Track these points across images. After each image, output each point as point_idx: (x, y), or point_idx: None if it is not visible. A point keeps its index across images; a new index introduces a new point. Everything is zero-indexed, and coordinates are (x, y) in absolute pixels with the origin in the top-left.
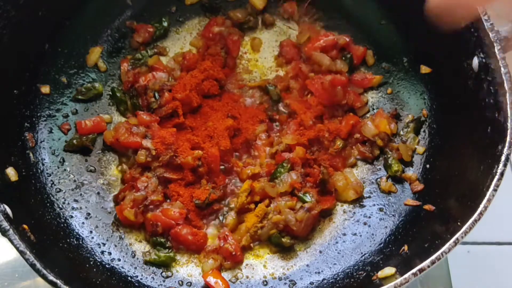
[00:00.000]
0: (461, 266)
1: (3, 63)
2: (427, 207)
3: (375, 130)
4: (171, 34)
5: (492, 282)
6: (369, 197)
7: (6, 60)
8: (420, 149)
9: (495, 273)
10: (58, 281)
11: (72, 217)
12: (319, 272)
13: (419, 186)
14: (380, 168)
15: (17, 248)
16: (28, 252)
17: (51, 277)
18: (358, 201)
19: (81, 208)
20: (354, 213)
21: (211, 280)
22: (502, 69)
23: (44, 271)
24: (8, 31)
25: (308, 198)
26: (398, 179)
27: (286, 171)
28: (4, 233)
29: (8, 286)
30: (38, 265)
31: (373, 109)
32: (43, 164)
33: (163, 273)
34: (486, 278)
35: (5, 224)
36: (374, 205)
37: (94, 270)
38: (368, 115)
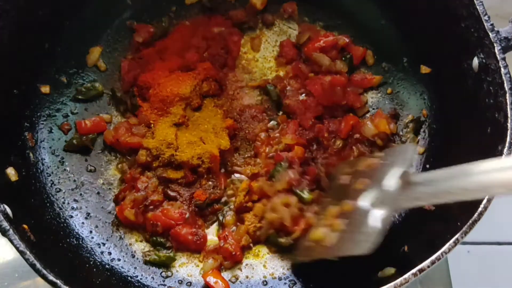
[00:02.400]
0: (461, 266)
1: (3, 63)
2: (427, 206)
3: (375, 130)
4: None
5: (492, 282)
6: None
7: (6, 60)
8: (420, 149)
9: (495, 273)
10: (58, 281)
11: (72, 217)
12: (319, 272)
13: None
14: None
15: (17, 248)
16: (28, 252)
17: (51, 277)
18: None
19: (81, 208)
20: None
21: (211, 280)
22: (502, 69)
23: (44, 271)
24: (8, 31)
25: (305, 194)
26: None
27: (284, 170)
28: (4, 233)
29: (8, 286)
30: (38, 265)
31: (373, 109)
32: (43, 164)
33: (163, 273)
34: (486, 278)
35: (5, 224)
36: None
37: (94, 270)
38: (367, 115)
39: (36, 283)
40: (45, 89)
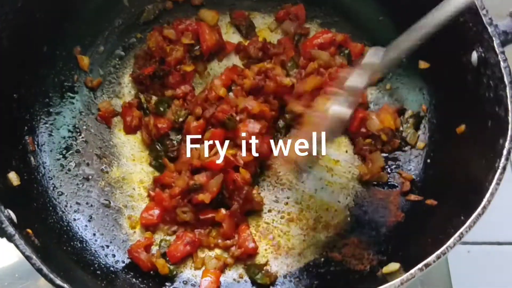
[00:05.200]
0: (461, 266)
1: (2, 66)
2: (429, 201)
3: (380, 125)
4: None
5: (492, 282)
6: None
7: (5, 63)
8: (421, 144)
9: (495, 273)
10: (65, 285)
11: (75, 220)
12: (322, 269)
13: (407, 187)
14: None
15: (23, 253)
16: (34, 257)
17: (58, 281)
18: None
19: (83, 210)
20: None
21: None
22: (502, 63)
23: (51, 276)
24: (6, 34)
25: None
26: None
27: None
28: (10, 238)
29: (8, 286)
30: (45, 269)
31: (374, 105)
32: (44, 168)
33: (168, 274)
34: (486, 278)
35: (11, 230)
36: None
37: (98, 272)
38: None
39: (37, 284)
40: (45, 92)
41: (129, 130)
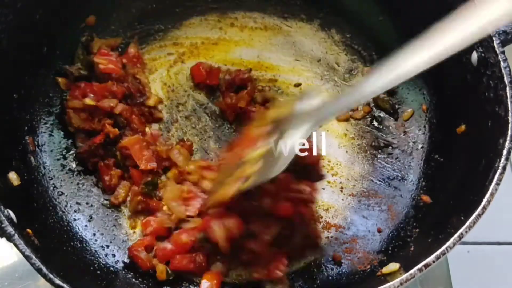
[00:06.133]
0: (461, 266)
1: (2, 67)
2: (425, 198)
3: None
4: None
5: (492, 282)
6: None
7: (5, 64)
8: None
9: (495, 273)
10: (65, 285)
11: (75, 220)
12: (323, 269)
13: None
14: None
15: (23, 253)
16: (34, 257)
17: (57, 281)
18: None
19: (83, 210)
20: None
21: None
22: (502, 63)
23: (51, 275)
24: (6, 35)
25: None
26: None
27: None
28: (10, 238)
29: (8, 286)
30: (44, 269)
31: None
32: (44, 168)
33: (165, 279)
34: (486, 278)
35: (10, 229)
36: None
37: (99, 272)
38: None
39: (37, 284)
40: (45, 92)
41: (109, 189)
